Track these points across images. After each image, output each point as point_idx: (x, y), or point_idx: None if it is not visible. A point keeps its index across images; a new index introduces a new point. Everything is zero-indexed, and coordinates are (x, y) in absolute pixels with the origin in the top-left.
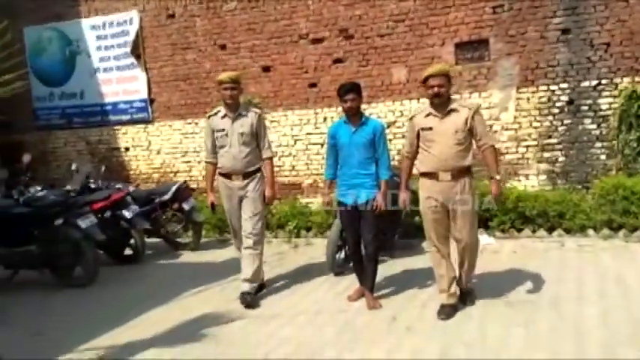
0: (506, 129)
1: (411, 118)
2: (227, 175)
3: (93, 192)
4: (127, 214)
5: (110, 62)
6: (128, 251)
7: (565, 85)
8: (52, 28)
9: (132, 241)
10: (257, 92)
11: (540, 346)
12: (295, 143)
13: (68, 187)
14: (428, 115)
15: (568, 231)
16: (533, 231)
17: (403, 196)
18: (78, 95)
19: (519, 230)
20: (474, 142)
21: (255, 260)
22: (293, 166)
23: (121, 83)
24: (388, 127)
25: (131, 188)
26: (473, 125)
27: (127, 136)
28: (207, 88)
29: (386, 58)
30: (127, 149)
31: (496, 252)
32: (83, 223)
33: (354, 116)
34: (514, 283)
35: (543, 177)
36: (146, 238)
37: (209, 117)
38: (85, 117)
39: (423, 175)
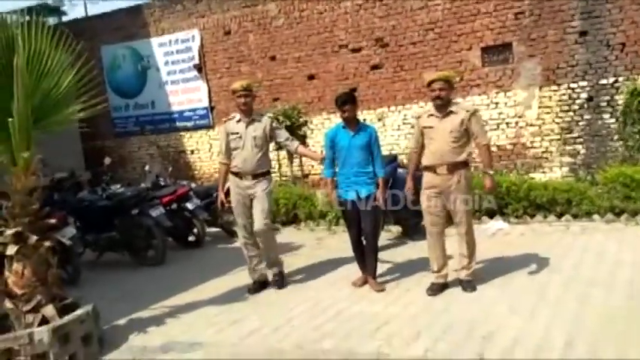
0: (531, 125)
1: (417, 118)
2: (238, 175)
3: (162, 188)
4: (189, 206)
5: (176, 75)
6: (191, 237)
7: (584, 83)
8: (126, 47)
9: (194, 229)
10: (303, 98)
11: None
12: None
13: (142, 185)
14: (430, 115)
15: (576, 216)
16: (545, 217)
17: (409, 185)
18: (149, 105)
19: (532, 216)
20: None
21: (270, 248)
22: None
23: (185, 94)
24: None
25: (193, 185)
26: (469, 126)
27: (192, 140)
28: (259, 95)
29: (418, 63)
30: (191, 152)
31: (507, 234)
32: (154, 213)
33: (352, 122)
34: (512, 261)
35: (566, 169)
36: (206, 227)
37: (225, 121)
38: (155, 124)
39: (425, 168)
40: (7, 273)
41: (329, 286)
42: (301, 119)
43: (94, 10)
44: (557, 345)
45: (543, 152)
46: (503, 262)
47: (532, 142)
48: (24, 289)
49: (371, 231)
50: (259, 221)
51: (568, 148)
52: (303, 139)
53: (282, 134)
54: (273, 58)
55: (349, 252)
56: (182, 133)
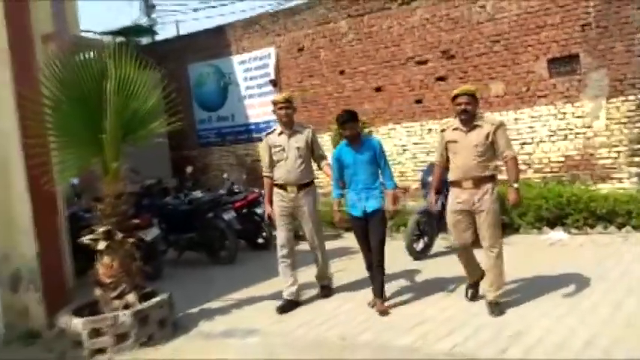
0: (599, 136)
1: (441, 131)
2: (282, 187)
3: (236, 194)
4: (259, 211)
5: (254, 90)
6: (260, 240)
7: None
8: (210, 65)
9: (263, 232)
10: (370, 109)
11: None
12: (403, 152)
13: (220, 191)
14: (455, 129)
15: (636, 227)
16: (605, 228)
17: (430, 199)
18: (230, 118)
19: (592, 227)
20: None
21: (322, 259)
22: (402, 173)
23: (261, 107)
24: None
25: (263, 191)
26: (495, 139)
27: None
28: (328, 107)
29: (484, 74)
30: None
31: (565, 245)
32: (226, 217)
33: (355, 140)
34: (560, 270)
35: (634, 179)
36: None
37: (266, 135)
38: (235, 135)
39: (451, 183)
40: (97, 265)
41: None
42: (365, 130)
43: (185, 27)
44: (576, 345)
45: (612, 163)
46: (552, 270)
47: (600, 154)
48: (111, 279)
49: (377, 246)
50: (311, 238)
51: (636, 159)
52: None
53: (317, 148)
54: (342, 72)
55: (403, 258)
56: (258, 143)
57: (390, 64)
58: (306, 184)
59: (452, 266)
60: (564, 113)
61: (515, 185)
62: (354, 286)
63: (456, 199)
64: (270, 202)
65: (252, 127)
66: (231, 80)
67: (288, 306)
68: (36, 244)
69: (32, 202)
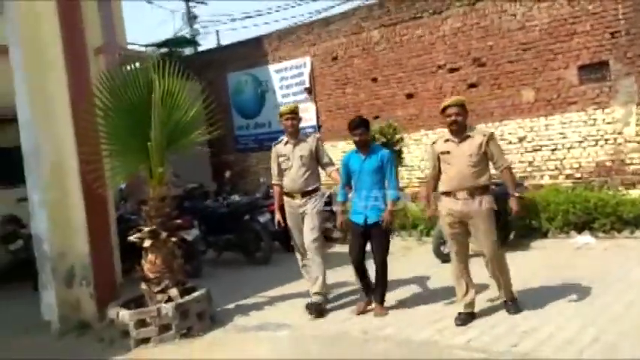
0: (629, 141)
1: (432, 144)
2: (289, 195)
3: (271, 198)
4: None
5: (290, 97)
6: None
7: None
8: (248, 74)
9: None
10: (402, 116)
11: None
12: None
13: (257, 195)
14: (447, 140)
15: None
16: (631, 232)
17: (429, 212)
18: (267, 124)
19: (619, 231)
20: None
21: (318, 272)
22: None
23: None
24: (519, 141)
25: None
26: (488, 150)
27: None
28: (362, 114)
29: (515, 81)
30: None
31: (590, 249)
32: (262, 219)
33: (364, 147)
34: (581, 272)
35: None
36: None
37: (274, 145)
38: (271, 141)
39: (443, 194)
40: (143, 262)
41: (397, 286)
42: (397, 136)
43: (225, 36)
44: (584, 341)
45: None
46: (573, 272)
47: (631, 159)
48: (155, 274)
49: (379, 258)
50: (307, 237)
51: None
52: (398, 155)
53: (324, 156)
54: (374, 80)
55: (430, 260)
56: None
57: (422, 71)
58: (310, 191)
59: (476, 270)
60: (595, 119)
61: (515, 194)
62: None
63: (449, 210)
64: (281, 209)
65: None
66: (267, 88)
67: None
68: (88, 243)
69: (85, 204)
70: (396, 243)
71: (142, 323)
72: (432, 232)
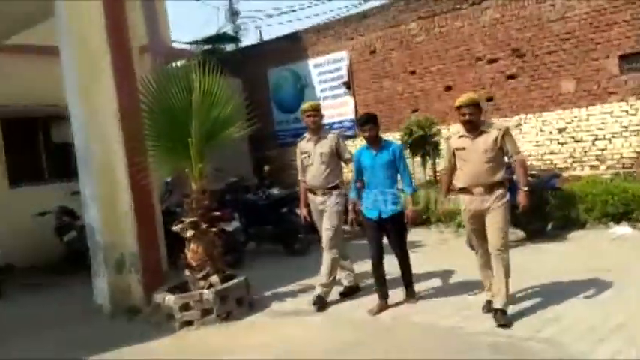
0: None
1: (447, 139)
2: (311, 191)
3: None
4: None
5: (328, 92)
6: None
7: None
8: (287, 69)
9: None
10: (440, 108)
11: None
12: None
13: (296, 188)
14: (461, 136)
15: None
16: None
17: (446, 206)
18: None
19: None
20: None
21: (331, 267)
22: None
23: (335, 108)
24: (559, 132)
25: None
26: (503, 144)
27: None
28: (399, 107)
29: (555, 72)
30: None
31: (626, 239)
32: (299, 211)
33: (374, 142)
34: (613, 261)
35: None
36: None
37: (299, 141)
38: None
39: (460, 190)
40: (186, 250)
41: (429, 276)
42: (433, 129)
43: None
44: (608, 327)
45: None
46: (604, 262)
47: None
48: (197, 262)
49: (399, 250)
50: (325, 237)
51: None
52: (435, 147)
53: (345, 152)
54: (413, 72)
55: (465, 252)
56: None
57: (461, 63)
58: (331, 188)
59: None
60: (636, 109)
61: (525, 188)
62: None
63: (467, 206)
64: (305, 206)
65: (327, 127)
66: (307, 83)
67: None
68: (136, 234)
69: (133, 198)
70: (433, 235)
71: (185, 307)
72: None
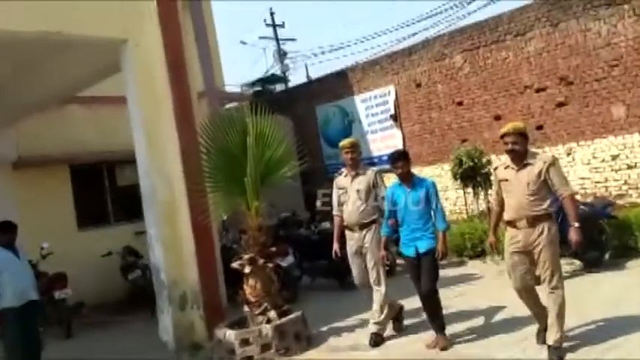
0: None
1: (494, 169)
2: (348, 227)
3: None
4: None
5: (375, 125)
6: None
7: None
8: (335, 105)
9: (387, 260)
10: (490, 138)
11: None
12: None
13: None
14: (507, 167)
15: None
16: None
17: (490, 240)
18: None
19: None
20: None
21: (380, 303)
22: None
23: (383, 140)
24: (613, 159)
25: None
26: (547, 177)
27: (388, 181)
28: (447, 138)
29: (604, 98)
30: None
31: None
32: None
33: (406, 179)
34: None
35: None
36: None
37: (336, 176)
38: None
39: (507, 223)
40: (244, 286)
41: (486, 310)
42: (484, 159)
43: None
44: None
45: None
46: None
47: None
48: (256, 298)
49: (427, 291)
50: (370, 274)
51: None
52: (486, 177)
53: (381, 190)
54: (460, 104)
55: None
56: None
57: (509, 92)
58: (368, 224)
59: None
60: None
61: (576, 224)
62: (469, 310)
63: (511, 239)
64: (338, 241)
65: (375, 159)
66: (354, 118)
67: (378, 339)
68: (198, 272)
69: (194, 237)
70: (490, 268)
71: (245, 342)
72: None
